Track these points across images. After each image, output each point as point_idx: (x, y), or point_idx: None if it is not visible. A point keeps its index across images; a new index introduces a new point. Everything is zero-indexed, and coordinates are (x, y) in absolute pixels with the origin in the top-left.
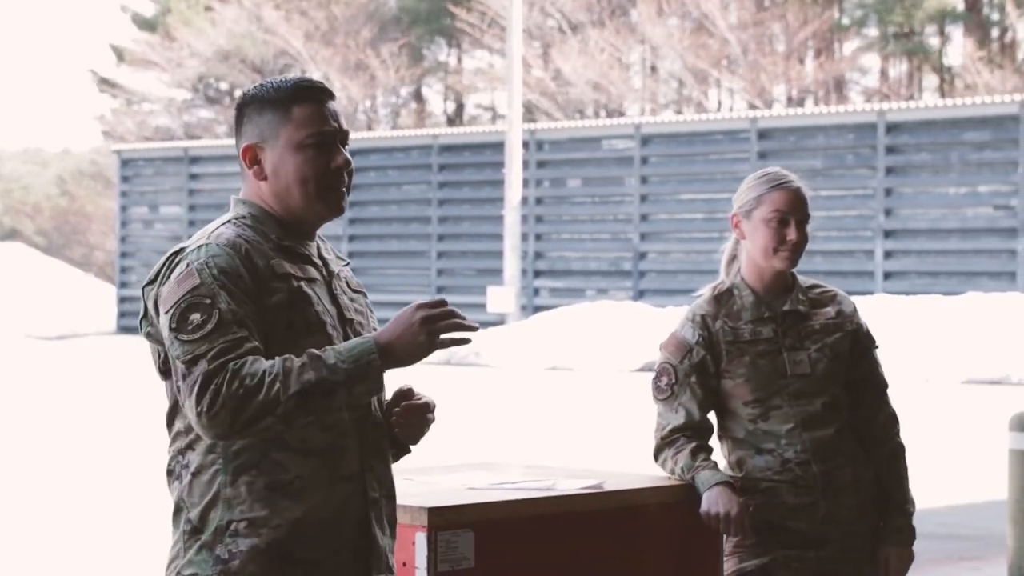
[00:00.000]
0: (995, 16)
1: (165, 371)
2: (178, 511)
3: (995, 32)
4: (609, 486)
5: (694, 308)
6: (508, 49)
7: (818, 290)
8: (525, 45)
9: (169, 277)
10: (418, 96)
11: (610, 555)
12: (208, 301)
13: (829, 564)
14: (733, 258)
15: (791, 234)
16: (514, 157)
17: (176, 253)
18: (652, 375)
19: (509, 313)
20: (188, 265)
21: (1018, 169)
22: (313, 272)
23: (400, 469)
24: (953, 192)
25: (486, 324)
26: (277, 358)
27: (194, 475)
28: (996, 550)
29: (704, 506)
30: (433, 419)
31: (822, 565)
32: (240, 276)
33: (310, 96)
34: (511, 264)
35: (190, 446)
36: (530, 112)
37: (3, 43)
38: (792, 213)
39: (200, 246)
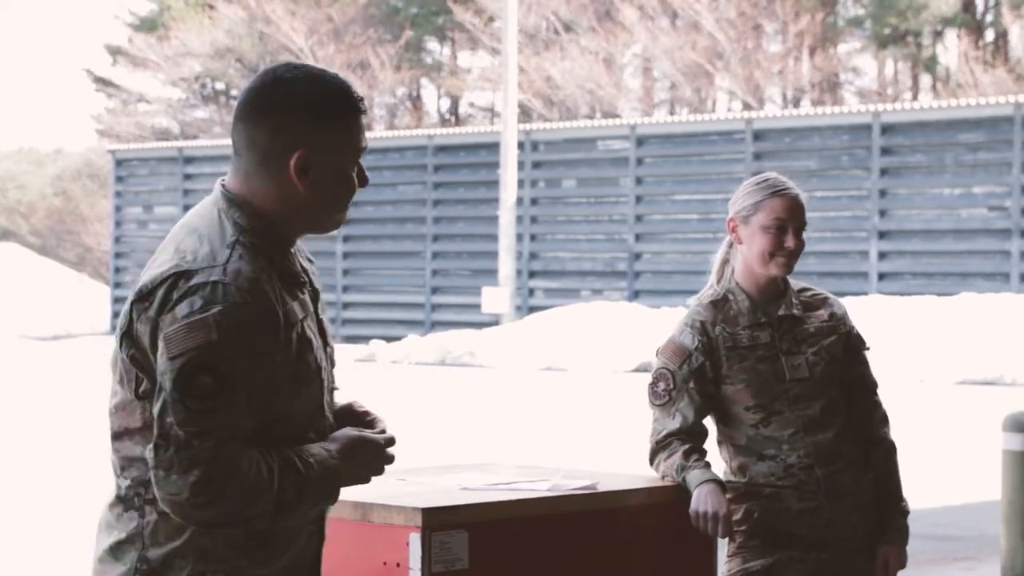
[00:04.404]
0: (990, 17)
1: (144, 395)
2: (127, 544)
3: (990, 34)
4: (603, 487)
5: (692, 314)
6: (504, 50)
7: (809, 293)
8: (520, 46)
9: (174, 308)
10: (414, 96)
11: (604, 556)
12: (222, 367)
13: (830, 565)
14: (726, 262)
15: (789, 241)
16: (509, 158)
17: (181, 276)
18: (648, 381)
19: (504, 313)
20: (204, 308)
21: (1012, 170)
22: (307, 300)
23: (393, 470)
24: (948, 193)
25: (481, 324)
26: (276, 465)
27: (162, 515)
28: (990, 550)
29: (692, 505)
30: (392, 458)
31: (824, 565)
32: (257, 335)
33: (359, 107)
34: (506, 264)
35: None
36: (525, 113)
37: None
38: (791, 220)
39: (216, 283)
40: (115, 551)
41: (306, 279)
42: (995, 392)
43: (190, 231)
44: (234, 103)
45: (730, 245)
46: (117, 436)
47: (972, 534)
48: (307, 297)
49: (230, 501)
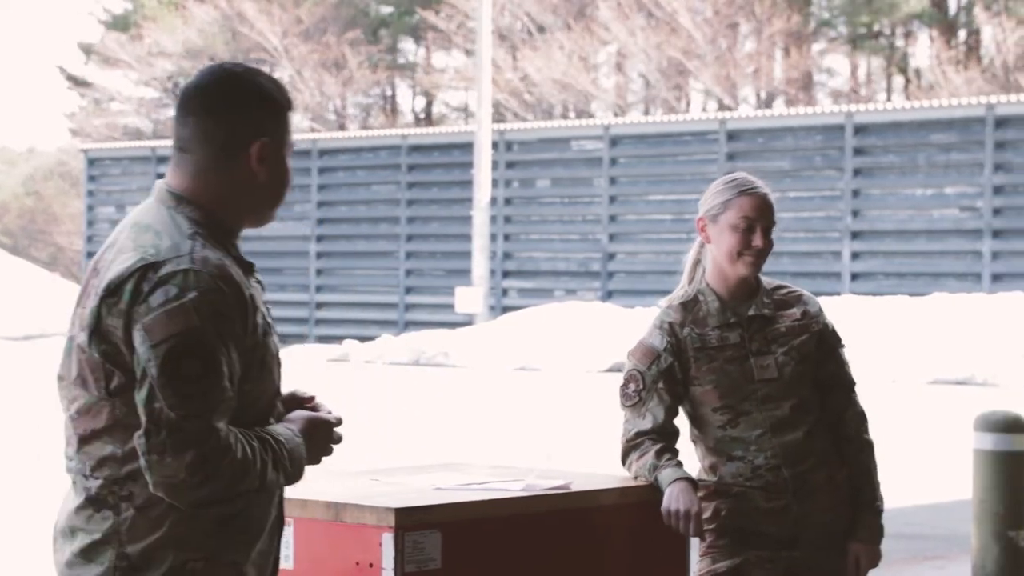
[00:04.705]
0: (963, 18)
1: (116, 392)
2: (102, 545)
3: (962, 34)
4: (576, 487)
5: (661, 315)
6: (477, 50)
7: (784, 291)
8: (494, 46)
9: (148, 299)
10: (388, 95)
11: (577, 555)
12: (206, 349)
13: (802, 563)
14: (697, 262)
15: (757, 240)
16: (483, 157)
17: (149, 268)
18: (620, 383)
19: (477, 313)
20: (180, 296)
21: (984, 171)
22: (258, 288)
23: (366, 470)
24: (920, 193)
25: (455, 324)
26: (255, 443)
27: (139, 510)
28: (960, 549)
29: (664, 503)
30: (340, 438)
31: (795, 564)
32: (232, 320)
33: (292, 103)
34: (479, 264)
35: (130, 477)
36: (499, 112)
37: None
38: (759, 219)
39: (186, 271)
40: (88, 553)
41: (253, 269)
42: (967, 392)
43: (143, 229)
44: None
45: (701, 245)
46: (84, 440)
47: (943, 533)
48: (259, 286)
49: (223, 479)
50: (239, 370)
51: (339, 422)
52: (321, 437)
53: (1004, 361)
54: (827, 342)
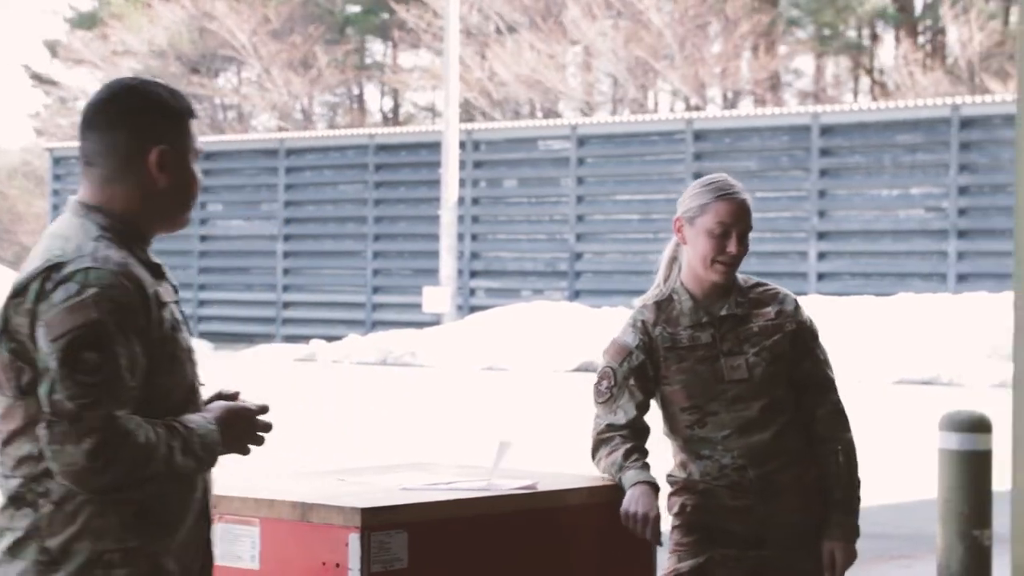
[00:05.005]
0: (928, 20)
1: (27, 389)
2: (25, 541)
3: (928, 35)
4: (543, 486)
5: (635, 314)
6: (445, 49)
7: (760, 289)
8: (463, 44)
9: (51, 296)
10: (356, 95)
11: (544, 555)
12: (105, 342)
13: (769, 562)
14: (673, 259)
15: (731, 246)
16: (450, 157)
17: (53, 268)
18: (594, 380)
19: (445, 313)
20: (80, 292)
21: (949, 172)
22: (171, 291)
23: (332, 470)
24: (886, 194)
25: (422, 324)
26: (161, 430)
27: (56, 504)
28: (926, 549)
29: (623, 504)
30: (268, 426)
31: (763, 563)
32: (134, 312)
33: (196, 112)
34: (447, 264)
35: (46, 474)
36: (467, 111)
37: None
38: (735, 225)
39: (87, 268)
40: (13, 550)
41: (166, 274)
42: (932, 392)
43: (54, 237)
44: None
45: (678, 244)
46: (5, 442)
47: (908, 532)
48: (170, 288)
49: (124, 464)
50: (144, 362)
51: (261, 410)
52: (242, 426)
53: (969, 361)
54: (803, 340)
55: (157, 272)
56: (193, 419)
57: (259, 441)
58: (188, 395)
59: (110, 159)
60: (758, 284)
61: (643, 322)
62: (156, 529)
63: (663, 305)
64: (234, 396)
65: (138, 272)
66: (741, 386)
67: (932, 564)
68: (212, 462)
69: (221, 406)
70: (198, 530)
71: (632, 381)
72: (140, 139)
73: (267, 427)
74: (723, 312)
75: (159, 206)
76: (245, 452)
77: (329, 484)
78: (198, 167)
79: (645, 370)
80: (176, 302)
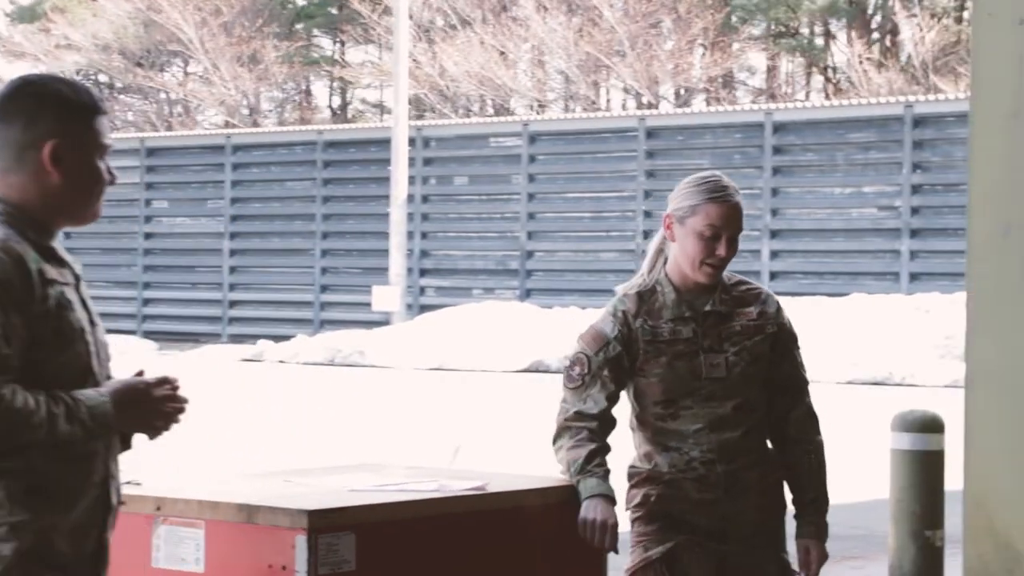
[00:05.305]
0: (880, 17)
1: None
2: None
3: (880, 33)
4: (493, 487)
5: (616, 303)
6: (395, 45)
7: (743, 287)
8: (414, 40)
9: None
10: (304, 91)
11: (494, 556)
12: None
13: (733, 559)
14: (660, 251)
15: (720, 249)
16: (400, 154)
17: None
18: (565, 364)
19: (394, 312)
20: None
21: (902, 170)
22: (68, 276)
23: (279, 471)
24: (838, 192)
25: (371, 323)
26: (42, 397)
27: None
28: (878, 549)
29: (582, 513)
30: (180, 400)
31: (728, 559)
32: (13, 285)
33: (103, 109)
34: (397, 263)
35: None
36: (417, 107)
37: None
38: (725, 228)
39: None
40: None
41: (66, 261)
42: (884, 391)
43: None
44: (119, 97)
45: (665, 238)
46: None
47: (861, 533)
48: (68, 273)
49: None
50: (25, 334)
51: (159, 382)
52: (141, 400)
53: (921, 361)
54: (783, 343)
55: (54, 257)
56: (84, 392)
57: (166, 418)
58: (82, 377)
59: (7, 151)
60: (741, 282)
61: (624, 312)
62: (46, 505)
63: (645, 296)
64: (138, 375)
65: (20, 248)
66: (717, 384)
67: (884, 565)
68: (102, 432)
69: (115, 380)
70: (94, 515)
71: (606, 372)
72: (33, 133)
73: (172, 400)
74: (707, 308)
75: (56, 200)
76: (152, 431)
77: (276, 485)
78: (105, 163)
79: (621, 362)
80: (74, 286)
